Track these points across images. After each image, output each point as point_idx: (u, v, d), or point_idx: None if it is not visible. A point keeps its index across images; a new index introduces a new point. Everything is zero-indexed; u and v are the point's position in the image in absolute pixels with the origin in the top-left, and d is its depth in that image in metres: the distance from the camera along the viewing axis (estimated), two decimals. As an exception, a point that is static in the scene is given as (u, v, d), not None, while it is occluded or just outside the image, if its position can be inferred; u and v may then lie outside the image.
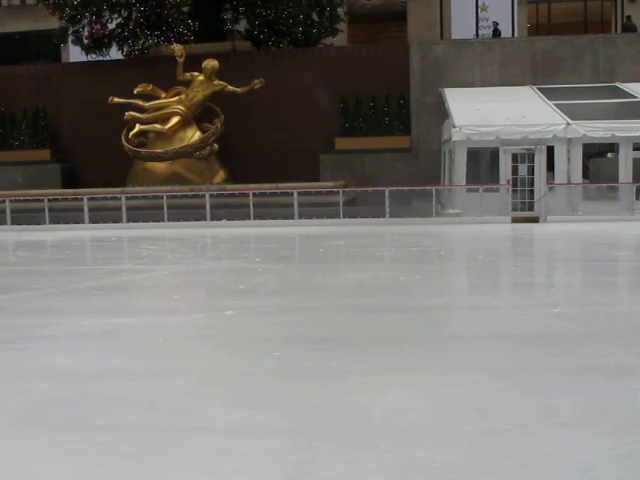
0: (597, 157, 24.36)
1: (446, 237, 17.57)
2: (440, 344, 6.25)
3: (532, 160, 21.31)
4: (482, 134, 21.55)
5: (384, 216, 20.75)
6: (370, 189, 22.22)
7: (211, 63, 24.69)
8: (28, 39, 44.30)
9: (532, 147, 21.23)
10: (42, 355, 6.15)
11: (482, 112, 22.81)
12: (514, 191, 21.23)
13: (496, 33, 30.35)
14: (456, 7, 37.56)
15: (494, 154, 22.02)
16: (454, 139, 21.76)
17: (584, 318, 7.32)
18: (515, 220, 20.28)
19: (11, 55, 42.50)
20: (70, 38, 30.08)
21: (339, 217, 20.81)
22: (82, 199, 22.34)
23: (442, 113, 24.71)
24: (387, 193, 20.88)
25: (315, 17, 30.26)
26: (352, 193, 23.28)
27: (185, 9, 28.31)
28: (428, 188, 21.64)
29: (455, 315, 7.98)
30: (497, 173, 21.81)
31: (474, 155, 22.24)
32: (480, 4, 31.54)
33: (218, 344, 6.47)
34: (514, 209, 20.88)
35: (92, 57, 30.25)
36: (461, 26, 36.04)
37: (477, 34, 30.17)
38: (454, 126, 21.79)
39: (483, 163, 22.98)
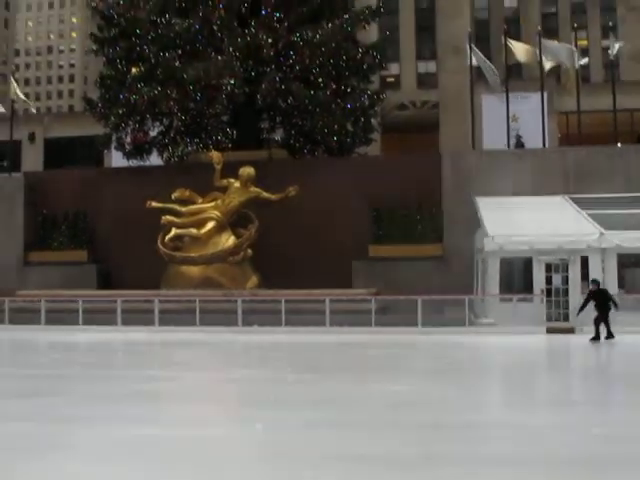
0: (633, 267, 24.07)
1: (480, 348, 17.26)
2: (479, 467, 6.00)
3: (566, 270, 21.17)
4: (515, 244, 21.53)
5: (416, 325, 20.51)
6: (402, 298, 22.06)
7: (247, 170, 25.31)
8: (74, 144, 46.02)
9: (566, 257, 21.12)
10: (61, 468, 5.96)
11: (515, 222, 22.86)
12: (548, 301, 21.00)
13: (519, 145, 30.79)
14: (487, 118, 38.36)
15: (528, 264, 21.92)
16: (487, 248, 21.74)
17: (629, 441, 7.02)
18: (550, 331, 19.93)
19: (57, 159, 44.12)
20: (113, 144, 31.23)
21: (371, 325, 20.64)
22: (116, 301, 22.50)
23: (475, 222, 24.77)
24: (419, 302, 20.73)
25: (349, 127, 31.06)
26: (384, 301, 23.16)
27: (224, 118, 29.29)
28: (461, 297, 21.46)
29: (493, 434, 7.71)
30: (531, 283, 21.64)
31: (507, 264, 22.16)
32: (511, 115, 32.11)
33: (246, 462, 6.28)
34: (549, 319, 20.59)
35: (133, 162, 31.28)
36: (492, 136, 36.65)
37: (508, 144, 30.62)
38: (487, 235, 21.83)
39: (516, 273, 22.84)
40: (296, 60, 27.92)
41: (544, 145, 30.44)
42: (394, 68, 49.37)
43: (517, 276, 22.76)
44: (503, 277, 21.84)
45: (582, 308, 18.21)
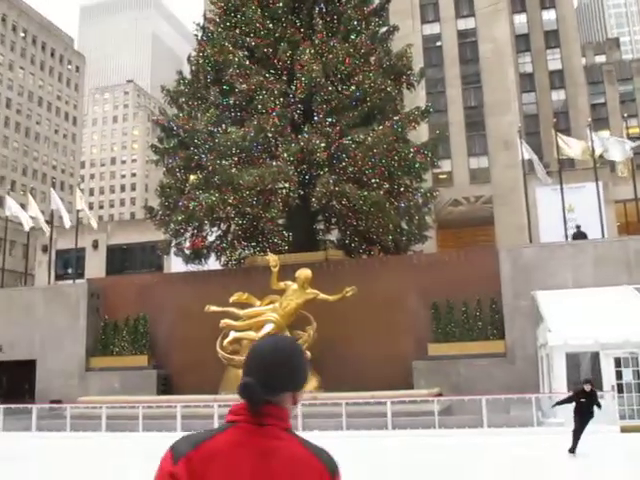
0: None
1: (553, 452, 16.43)
2: None
3: (637, 364, 20.35)
4: (580, 338, 20.89)
5: (482, 426, 19.81)
6: (466, 398, 21.45)
7: (304, 273, 25.44)
8: (135, 250, 47.37)
9: (636, 350, 20.35)
10: None
11: (578, 314, 22.27)
12: (620, 397, 20.10)
13: (579, 235, 30.35)
14: (543, 210, 38.14)
15: (594, 358, 21.17)
16: (551, 343, 21.15)
17: None
18: (625, 430, 18.96)
19: (119, 264, 45.43)
20: (173, 250, 32.01)
21: (434, 427, 20.00)
22: (175, 407, 22.42)
23: (536, 316, 24.26)
24: (484, 402, 20.09)
25: (404, 225, 31.24)
26: (447, 401, 22.56)
27: (280, 221, 29.83)
28: (527, 396, 20.76)
29: None
30: (599, 378, 20.83)
31: (573, 359, 21.43)
32: (567, 206, 31.87)
33: None
34: (622, 417, 19.63)
35: (192, 267, 31.89)
36: (549, 228, 36.33)
37: (566, 235, 30.26)
38: (550, 330, 21.27)
39: (584, 368, 22.03)
40: (349, 162, 28.50)
41: (603, 235, 29.99)
42: (446, 165, 49.96)
43: (585, 371, 21.92)
44: (570, 373, 21.10)
45: (560, 403, 16.32)
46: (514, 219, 43.24)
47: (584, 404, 15.15)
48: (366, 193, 27.60)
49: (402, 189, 30.28)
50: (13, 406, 24.55)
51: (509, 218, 44.73)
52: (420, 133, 36.58)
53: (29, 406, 24.52)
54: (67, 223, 37.19)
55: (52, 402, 26.71)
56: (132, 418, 22.64)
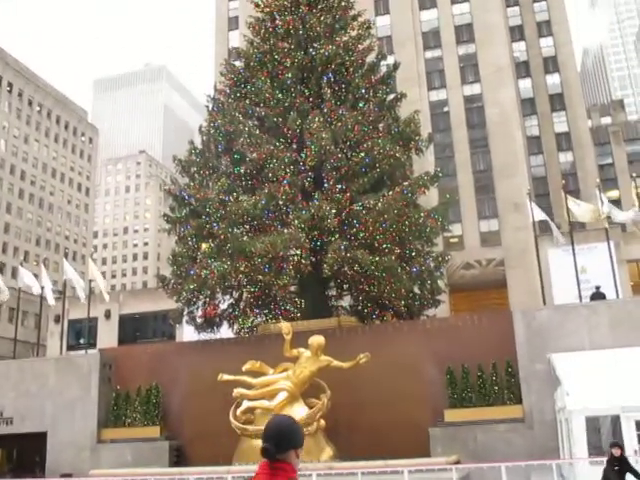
0: None
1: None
2: None
3: (659, 427, 19.92)
4: (599, 401, 20.52)
5: (502, 494, 19.31)
6: (485, 466, 20.96)
7: (317, 340, 25.24)
8: (147, 319, 47.40)
9: (657, 415, 19.94)
10: None
11: (596, 377, 21.92)
12: (643, 462, 19.57)
13: (598, 296, 30.13)
14: (555, 271, 38.06)
15: (615, 421, 20.73)
16: (569, 407, 20.77)
17: None
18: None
19: (131, 334, 45.40)
20: (185, 318, 31.97)
21: (453, 497, 19.51)
22: (188, 479, 22.03)
23: (553, 380, 23.90)
24: (503, 469, 19.61)
25: (416, 290, 31.15)
26: (466, 469, 22.04)
27: (292, 288, 29.83)
28: (547, 462, 20.27)
29: None
30: (621, 442, 20.35)
31: (593, 423, 21.00)
32: (579, 267, 31.78)
33: None
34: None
35: (204, 335, 31.78)
36: (563, 290, 36.16)
37: (580, 297, 30.04)
38: (568, 394, 20.91)
39: (605, 432, 21.55)
40: (360, 228, 28.63)
41: (617, 295, 29.78)
42: (457, 228, 50.14)
43: (606, 436, 21.45)
44: (590, 437, 20.65)
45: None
46: (527, 281, 43.10)
47: (618, 473, 14.28)
48: (378, 258, 27.62)
49: (414, 254, 30.33)
50: (24, 481, 24.17)
51: (522, 280, 44.59)
52: (430, 198, 36.86)
53: (39, 480, 24.12)
54: (82, 295, 37.28)
55: (63, 476, 26.29)
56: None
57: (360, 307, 30.91)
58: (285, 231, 27.84)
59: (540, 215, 31.82)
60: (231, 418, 25.21)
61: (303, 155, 30.11)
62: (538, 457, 21.13)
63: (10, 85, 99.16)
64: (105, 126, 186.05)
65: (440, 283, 32.64)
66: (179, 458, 27.75)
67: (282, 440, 3.88)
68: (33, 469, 29.06)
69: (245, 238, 28.33)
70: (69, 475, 26.11)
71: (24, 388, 31.29)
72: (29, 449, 31.57)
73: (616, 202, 57.36)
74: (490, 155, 52.79)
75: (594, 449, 20.58)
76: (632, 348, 23.61)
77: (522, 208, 42.52)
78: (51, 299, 37.50)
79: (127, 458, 27.72)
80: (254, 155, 30.13)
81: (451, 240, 50.28)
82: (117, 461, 27.48)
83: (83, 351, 37.64)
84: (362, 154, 30.05)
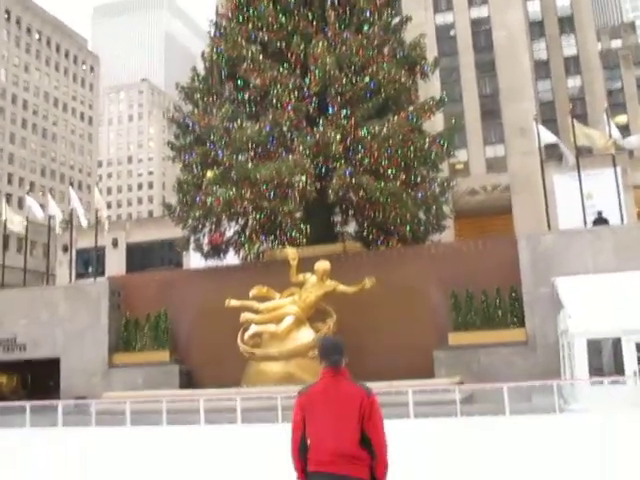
0: None
1: (572, 438, 16.35)
2: None
3: (659, 349, 20.23)
4: (601, 324, 20.81)
5: (504, 413, 19.77)
6: (488, 386, 21.42)
7: (323, 265, 25.49)
8: (154, 247, 47.73)
9: (658, 336, 20.22)
10: None
11: (599, 300, 22.16)
12: (643, 383, 19.99)
13: (600, 221, 30.17)
14: (561, 197, 37.90)
15: (616, 344, 21.07)
16: (571, 330, 21.08)
17: None
18: (648, 415, 18.83)
19: (138, 262, 45.79)
20: (191, 246, 32.20)
21: (456, 415, 19.99)
22: (198, 400, 22.57)
23: (557, 303, 24.18)
24: (505, 389, 20.01)
25: (422, 216, 31.21)
26: (469, 390, 22.55)
27: (297, 215, 29.89)
28: (549, 383, 20.68)
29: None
30: (622, 364, 20.73)
31: (595, 346, 21.34)
32: (585, 193, 31.65)
33: None
34: (646, 403, 19.49)
35: (210, 262, 32.08)
36: (568, 215, 36.12)
37: (585, 222, 30.05)
38: (570, 317, 21.19)
39: (606, 354, 21.93)
40: (365, 154, 28.50)
41: (622, 221, 29.78)
42: (462, 154, 49.81)
43: (607, 357, 21.84)
44: (591, 359, 21.02)
45: None
46: (532, 207, 43.04)
47: None
48: (383, 184, 27.60)
49: (419, 179, 30.27)
50: (39, 403, 24.84)
51: (527, 206, 44.54)
52: (435, 123, 36.49)
53: (55, 403, 24.80)
54: (84, 222, 37.48)
55: (77, 398, 27.00)
56: (156, 412, 22.82)
57: (365, 233, 31.04)
58: (290, 157, 27.74)
59: (548, 138, 31.45)
60: (239, 342, 25.71)
61: (307, 80, 29.72)
62: (540, 378, 21.51)
63: (8, 12, 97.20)
64: (106, 54, 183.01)
65: (445, 209, 32.68)
66: (188, 381, 28.43)
67: (343, 352, 5.10)
68: (48, 393, 29.84)
69: (250, 165, 28.26)
70: (83, 397, 26.81)
71: (35, 316, 31.87)
72: (43, 374, 32.39)
73: (624, 128, 56.77)
74: (497, 79, 51.94)
75: (595, 371, 20.97)
76: (635, 272, 23.76)
77: (529, 133, 42.08)
78: (58, 228, 37.72)
79: (138, 381, 28.43)
80: (258, 81, 29.75)
81: (456, 166, 50.02)
82: (128, 384, 28.19)
83: (91, 280, 38.07)
84: (367, 79, 29.66)
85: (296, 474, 5.00)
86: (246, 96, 30.89)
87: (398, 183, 28.30)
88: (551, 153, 43.42)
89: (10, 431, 23.38)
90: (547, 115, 59.82)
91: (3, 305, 32.90)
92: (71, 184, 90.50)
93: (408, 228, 29.48)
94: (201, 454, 16.30)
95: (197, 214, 29.15)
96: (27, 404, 24.40)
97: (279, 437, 17.21)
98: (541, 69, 64.87)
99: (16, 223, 38.40)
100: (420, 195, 29.91)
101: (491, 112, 51.93)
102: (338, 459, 4.71)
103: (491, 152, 51.51)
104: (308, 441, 4.89)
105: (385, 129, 28.09)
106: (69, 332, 30.81)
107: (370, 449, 4.80)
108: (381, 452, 4.85)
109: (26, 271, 38.48)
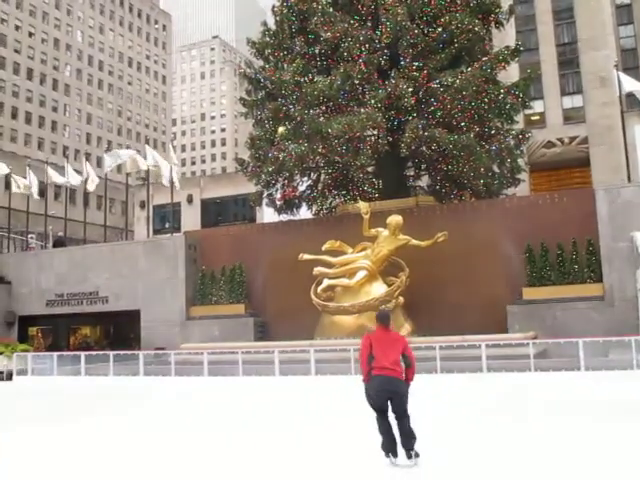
0: None
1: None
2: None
3: None
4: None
5: (579, 369, 19.54)
6: (562, 341, 21.16)
7: (395, 219, 25.46)
8: (227, 203, 48.51)
9: None
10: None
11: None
12: None
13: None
14: (642, 148, 36.59)
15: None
16: (651, 285, 20.53)
17: None
18: None
19: (213, 218, 46.70)
20: (264, 201, 32.60)
21: (530, 370, 19.87)
22: (273, 352, 23.11)
23: (635, 258, 23.54)
24: (581, 344, 19.74)
25: (496, 169, 30.67)
26: (543, 345, 22.34)
27: (369, 169, 29.83)
28: (627, 339, 20.26)
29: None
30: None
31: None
32: (668, 144, 30.45)
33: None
34: None
35: (283, 217, 32.45)
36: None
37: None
38: (650, 272, 20.63)
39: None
40: (437, 106, 28.08)
41: None
42: (538, 105, 48.31)
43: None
44: (671, 315, 20.49)
45: None
46: (611, 159, 41.70)
47: None
48: (456, 137, 27.18)
49: (493, 132, 29.65)
50: (122, 353, 25.92)
51: (606, 158, 43.14)
52: (510, 73, 35.54)
53: (136, 353, 25.83)
54: (166, 179, 38.14)
55: (157, 349, 28.03)
56: (232, 363, 23.51)
57: (438, 187, 30.74)
58: (362, 111, 27.55)
59: (630, 86, 30.16)
60: (312, 296, 26.07)
61: (378, 32, 29.32)
62: (617, 334, 21.07)
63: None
64: (177, 13, 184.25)
65: (520, 162, 31.97)
66: (263, 333, 29.08)
67: (390, 318, 8.78)
68: (129, 344, 31.08)
69: (322, 119, 28.24)
70: (162, 348, 27.80)
71: (116, 270, 33.04)
72: (124, 326, 33.71)
73: None
74: (575, 26, 49.91)
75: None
76: None
77: (608, 83, 40.57)
78: (152, 173, 38.55)
79: (214, 333, 29.24)
80: (328, 34, 29.51)
81: (532, 117, 48.54)
82: (205, 336, 29.04)
83: (168, 235, 39.05)
84: (439, 29, 29.04)
85: (363, 377, 8.43)
86: (317, 50, 30.73)
87: (471, 135, 27.78)
88: (631, 103, 41.70)
89: (96, 379, 24.58)
90: (629, 63, 57.20)
91: (86, 260, 34.24)
92: (147, 142, 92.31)
93: (482, 182, 29.00)
94: (276, 405, 16.77)
95: (270, 169, 29.40)
96: (110, 354, 25.50)
97: (352, 388, 17.54)
98: (623, 14, 61.85)
99: (95, 182, 39.59)
100: (494, 148, 29.31)
101: (569, 61, 50.08)
102: (391, 366, 8.18)
103: (568, 103, 49.79)
104: (373, 358, 8.22)
105: (458, 80, 27.53)
106: (148, 285, 31.84)
107: (406, 362, 8.31)
108: (413, 365, 8.38)
109: (106, 227, 39.78)
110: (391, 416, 8.11)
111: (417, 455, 7.99)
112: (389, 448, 8.11)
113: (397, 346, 8.34)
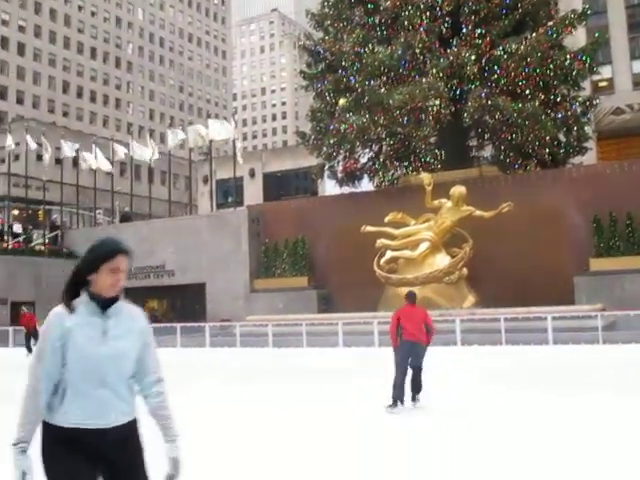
0: None
1: None
2: None
3: None
4: None
5: (650, 341, 19.07)
6: (632, 313, 20.67)
7: (458, 190, 25.19)
8: (289, 176, 48.69)
9: None
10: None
11: None
12: None
13: None
14: None
15: None
16: None
17: None
18: None
19: (275, 191, 46.96)
20: (326, 173, 32.64)
21: (598, 343, 19.50)
22: (336, 324, 23.26)
23: None
24: (652, 316, 19.29)
25: (562, 137, 29.94)
26: (612, 317, 21.87)
27: (432, 139, 29.50)
28: (701, 310, 19.69)
29: None
30: None
31: None
32: None
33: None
34: None
35: (345, 189, 32.44)
36: None
37: None
38: None
39: None
40: (501, 74, 27.54)
41: None
42: (606, 71, 46.64)
43: None
44: None
45: None
46: (684, 125, 40.13)
47: None
48: (520, 105, 26.62)
49: (559, 99, 28.93)
50: (188, 325, 26.49)
51: (679, 124, 41.53)
52: (577, 38, 34.43)
53: (202, 325, 26.36)
54: (240, 152, 37.87)
55: (222, 321, 28.55)
56: (296, 335, 23.77)
57: (502, 157, 30.19)
58: (423, 81, 27.23)
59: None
60: (375, 268, 26.10)
61: (439, 0, 28.79)
62: (691, 305, 20.48)
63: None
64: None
65: (587, 129, 31.14)
66: (326, 305, 29.27)
67: (415, 297, 10.26)
68: (195, 316, 31.73)
69: (383, 90, 28.01)
70: (228, 320, 28.30)
71: (181, 244, 33.68)
72: (190, 299, 34.41)
73: None
74: (646, -13, 47.97)
75: None
76: None
77: (682, 45, 38.86)
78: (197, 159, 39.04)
79: (278, 306, 29.57)
80: (388, 3, 29.16)
81: (600, 84, 46.95)
82: (269, 308, 29.40)
83: (231, 209, 39.50)
84: (503, -6, 28.35)
85: (392, 343, 10.24)
86: (377, 20, 30.40)
87: (536, 103, 27.16)
88: None
89: (164, 350, 25.18)
90: (703, 24, 54.78)
91: (152, 234, 35.00)
92: (208, 117, 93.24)
93: (547, 150, 28.39)
94: (340, 374, 16.90)
95: (331, 142, 29.38)
96: (177, 326, 26.07)
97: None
98: (697, -28, 59.13)
99: (156, 156, 40.20)
100: (560, 116, 28.61)
101: (639, 23, 48.20)
102: (417, 333, 10.08)
103: (638, 67, 48.03)
104: (402, 328, 10.05)
105: (522, 47, 26.91)
106: (213, 258, 32.38)
107: (427, 329, 10.10)
108: (432, 332, 10.16)
109: (170, 202, 40.50)
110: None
111: (418, 400, 10.27)
112: (399, 397, 9.96)
113: (420, 318, 10.27)
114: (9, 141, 39.86)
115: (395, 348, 10.27)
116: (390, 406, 9.86)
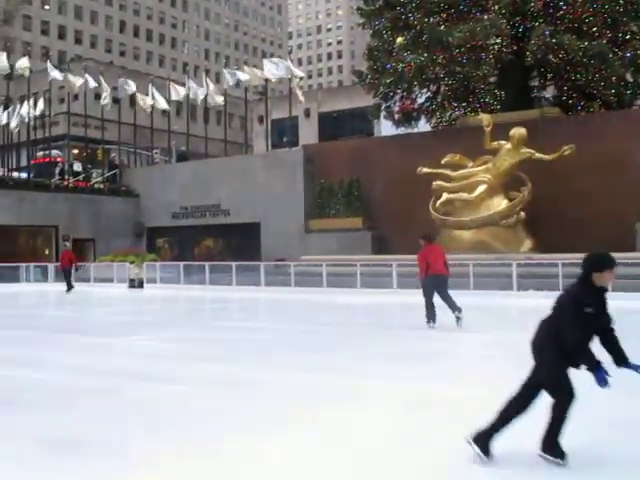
0: None
1: None
2: None
3: None
4: None
5: None
6: (697, 259, 20.09)
7: (518, 131, 24.58)
8: (345, 116, 48.27)
9: None
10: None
11: None
12: None
13: None
14: None
15: None
16: None
17: None
18: None
19: (330, 132, 46.68)
20: (382, 114, 32.21)
21: (660, 290, 19.02)
22: (391, 265, 23.25)
23: None
24: None
25: (629, 78, 28.77)
26: (675, 264, 21.26)
27: (492, 79, 28.73)
28: None
29: None
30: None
31: None
32: None
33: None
34: None
35: (402, 130, 32.00)
36: None
37: None
38: None
39: None
40: (566, 10, 26.50)
41: None
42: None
43: None
44: None
45: None
46: None
47: None
48: (586, 43, 25.60)
49: (628, 37, 27.62)
50: (244, 263, 26.86)
51: None
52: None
53: (258, 263, 26.70)
54: (297, 86, 37.37)
55: (277, 260, 28.82)
56: (350, 275, 23.86)
57: (565, 97, 29.26)
58: (484, 18, 26.37)
59: None
60: (431, 210, 25.86)
61: None
62: None
63: None
64: None
65: (657, 70, 29.81)
66: (381, 247, 29.22)
67: (436, 238, 13.59)
68: (250, 255, 32.09)
69: (442, 27, 27.28)
70: (282, 259, 28.55)
71: (237, 183, 33.90)
72: (245, 238, 34.77)
73: None
74: None
75: None
76: None
77: None
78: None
79: (333, 246, 29.62)
80: (449, -64, 28.10)
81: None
82: (323, 248, 29.47)
83: (287, 149, 39.42)
84: None
85: (420, 275, 12.64)
86: (437, -46, 29.36)
87: (603, 41, 26.08)
88: None
89: (220, 288, 25.68)
90: None
91: (208, 174, 35.29)
92: (263, 56, 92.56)
93: (613, 91, 27.33)
94: (393, 314, 16.98)
95: (388, 81, 28.85)
96: (233, 264, 26.45)
97: (470, 303, 17.44)
98: None
99: (216, 99, 40.21)
100: (628, 55, 27.38)
101: None
102: (441, 268, 12.36)
103: None
104: (429, 263, 12.29)
105: (591, -19, 25.74)
106: (268, 198, 32.53)
107: (446, 264, 12.52)
108: (447, 264, 12.62)
109: (226, 142, 40.61)
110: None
111: (460, 311, 12.50)
112: (432, 317, 12.66)
113: (442, 254, 12.70)
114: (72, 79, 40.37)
115: (422, 280, 12.70)
116: (427, 323, 12.75)
